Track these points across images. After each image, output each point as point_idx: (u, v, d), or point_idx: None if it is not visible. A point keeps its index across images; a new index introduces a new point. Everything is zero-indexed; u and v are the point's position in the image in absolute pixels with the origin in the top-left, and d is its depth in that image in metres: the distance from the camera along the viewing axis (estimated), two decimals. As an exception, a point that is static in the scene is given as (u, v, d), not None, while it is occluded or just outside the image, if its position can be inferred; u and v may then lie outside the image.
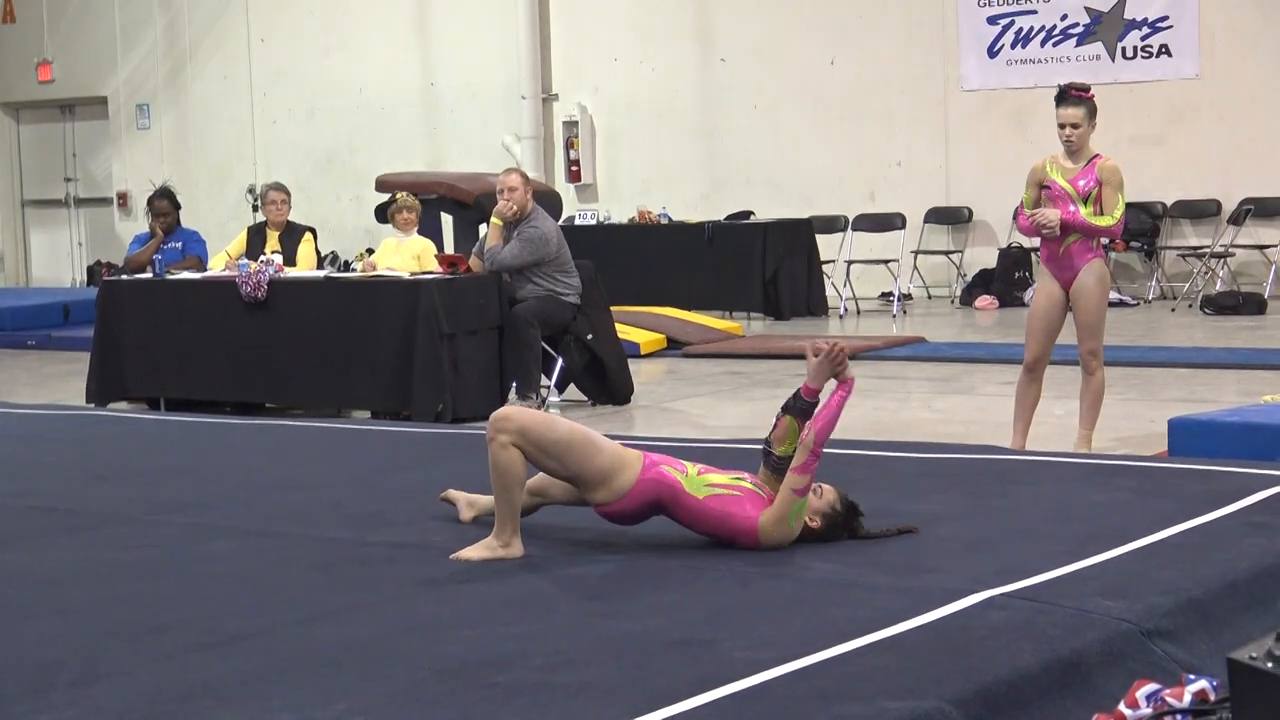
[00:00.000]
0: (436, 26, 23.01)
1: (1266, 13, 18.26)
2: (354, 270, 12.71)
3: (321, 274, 12.47)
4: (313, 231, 13.42)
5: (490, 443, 6.13)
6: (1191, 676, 4.20)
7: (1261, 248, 18.15)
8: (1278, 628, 4.56)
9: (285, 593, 5.77)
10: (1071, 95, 8.86)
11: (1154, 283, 18.77)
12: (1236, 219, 18.12)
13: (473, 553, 6.14)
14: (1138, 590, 5.27)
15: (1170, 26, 18.68)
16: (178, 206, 13.92)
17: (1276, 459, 7.68)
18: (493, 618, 5.31)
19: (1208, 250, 18.25)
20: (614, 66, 21.85)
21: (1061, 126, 8.83)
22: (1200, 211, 18.69)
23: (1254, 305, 16.93)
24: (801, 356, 6.66)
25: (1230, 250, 18.11)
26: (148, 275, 12.82)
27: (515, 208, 11.62)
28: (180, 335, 12.18)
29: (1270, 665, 3.51)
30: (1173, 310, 17.66)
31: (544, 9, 22.21)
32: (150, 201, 13.88)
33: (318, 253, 13.53)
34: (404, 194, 13.28)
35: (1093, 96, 8.92)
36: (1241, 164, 18.36)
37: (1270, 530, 6.06)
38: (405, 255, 12.62)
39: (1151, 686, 4.17)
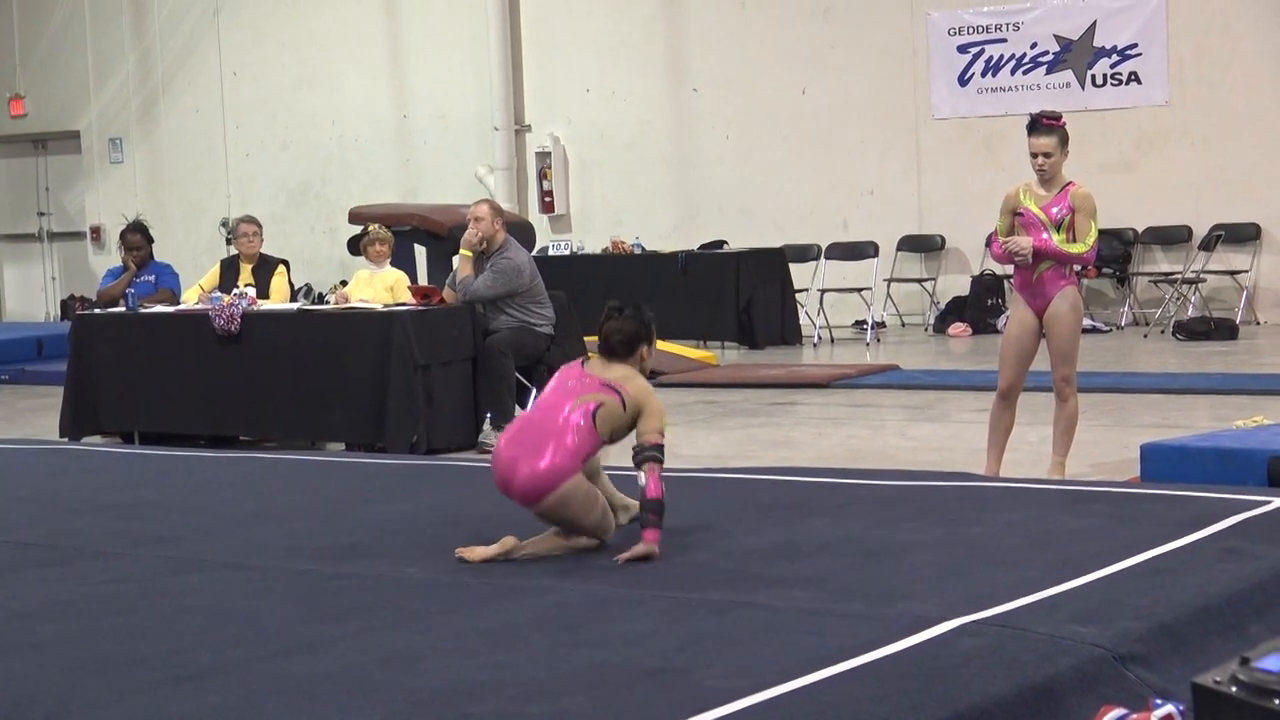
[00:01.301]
0: (409, 58, 23.04)
1: (1234, 40, 18.36)
2: (327, 302, 12.72)
3: (295, 306, 12.47)
4: (286, 264, 13.42)
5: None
6: (1159, 701, 4.21)
7: (1232, 273, 18.23)
8: (1244, 653, 4.59)
9: (259, 625, 5.76)
10: (1043, 124, 8.89)
11: (1126, 309, 18.83)
12: (1207, 245, 18.20)
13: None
14: (1110, 616, 5.27)
15: (1139, 54, 18.77)
16: (150, 240, 13.91)
17: (1249, 484, 7.70)
18: (466, 648, 5.30)
19: (1179, 276, 18.32)
20: (586, 97, 21.90)
21: (1034, 155, 8.86)
22: (1171, 238, 18.76)
23: (1226, 331, 16.99)
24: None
25: (1201, 276, 18.18)
26: (121, 309, 12.81)
27: (481, 236, 11.64)
28: (154, 369, 12.17)
29: (1234, 689, 3.52)
30: (1145, 336, 17.72)
31: (516, 40, 22.26)
32: (123, 235, 13.86)
33: (291, 285, 13.53)
34: (376, 226, 13.28)
35: (1065, 125, 8.95)
36: (1211, 190, 18.45)
37: (1242, 555, 6.07)
38: (378, 287, 12.62)
39: (1118, 712, 4.18)
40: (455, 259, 12.35)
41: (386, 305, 11.91)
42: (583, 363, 6.84)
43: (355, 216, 17.35)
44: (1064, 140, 8.88)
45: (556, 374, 6.88)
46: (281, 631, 5.66)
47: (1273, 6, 18.17)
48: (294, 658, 5.31)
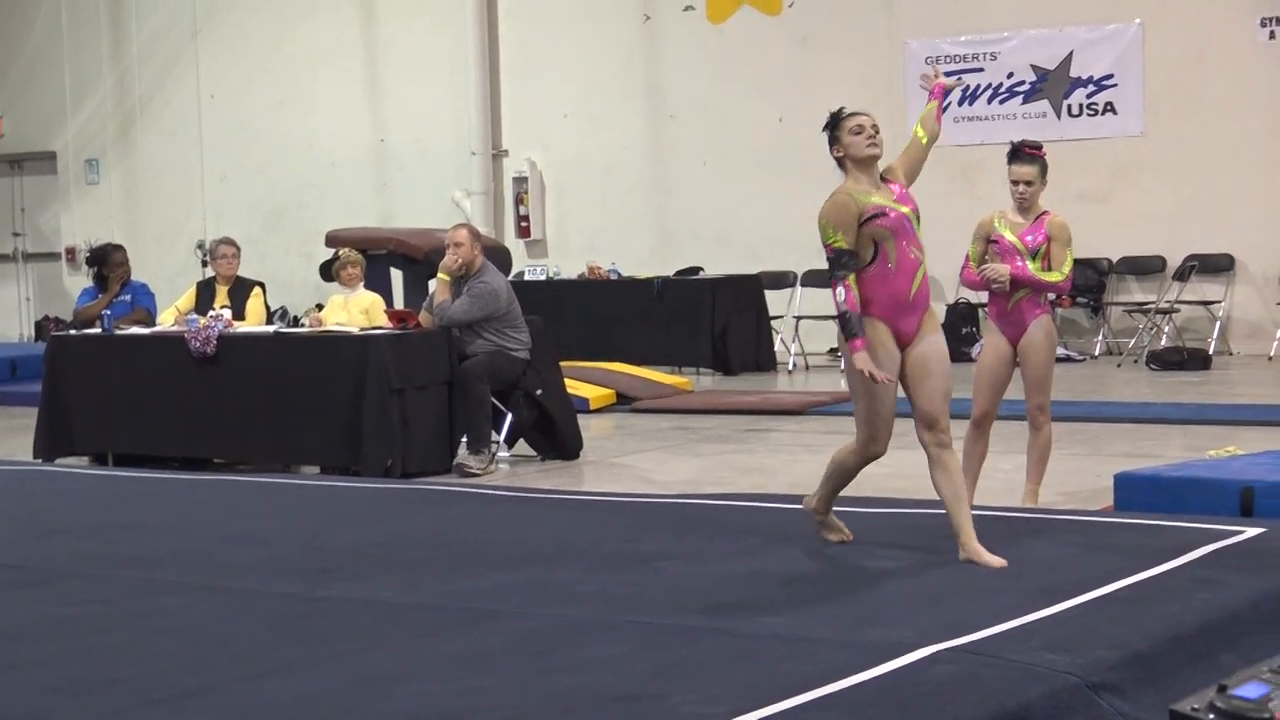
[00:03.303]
0: (387, 82, 23.07)
1: (1209, 71, 18.46)
2: (303, 325, 12.71)
3: (271, 329, 12.48)
4: (262, 286, 13.42)
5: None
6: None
7: (1206, 303, 18.31)
8: (1222, 680, 4.61)
9: (234, 648, 5.76)
10: (1026, 153, 8.93)
11: (1100, 338, 18.90)
12: (1181, 275, 18.28)
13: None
14: (1084, 644, 5.30)
15: (1115, 85, 18.87)
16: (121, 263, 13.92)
17: (1221, 514, 7.74)
18: (441, 672, 5.30)
19: (1153, 306, 18.40)
20: (564, 123, 21.94)
21: (1015, 183, 8.90)
22: (1145, 268, 18.84)
23: (1199, 361, 17.07)
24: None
25: (1175, 306, 18.26)
26: (96, 330, 12.80)
27: (461, 262, 11.66)
28: (129, 390, 12.16)
29: (1211, 717, 3.54)
30: (1119, 366, 17.78)
31: (494, 65, 22.30)
32: (105, 255, 13.86)
33: (267, 308, 13.53)
34: (347, 249, 13.28)
35: (1045, 155, 9.00)
36: (1186, 221, 18.54)
37: (1215, 584, 6.10)
38: (354, 310, 12.62)
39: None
40: (432, 283, 12.37)
41: (362, 329, 11.91)
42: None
43: (332, 240, 17.35)
44: (1044, 170, 8.93)
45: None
46: (257, 654, 5.66)
47: (1248, 38, 18.27)
48: (270, 680, 5.31)
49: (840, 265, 6.78)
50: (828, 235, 6.86)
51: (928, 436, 6.82)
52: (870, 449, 6.99)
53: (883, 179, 6.91)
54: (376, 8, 23.13)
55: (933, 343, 6.87)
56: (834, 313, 6.84)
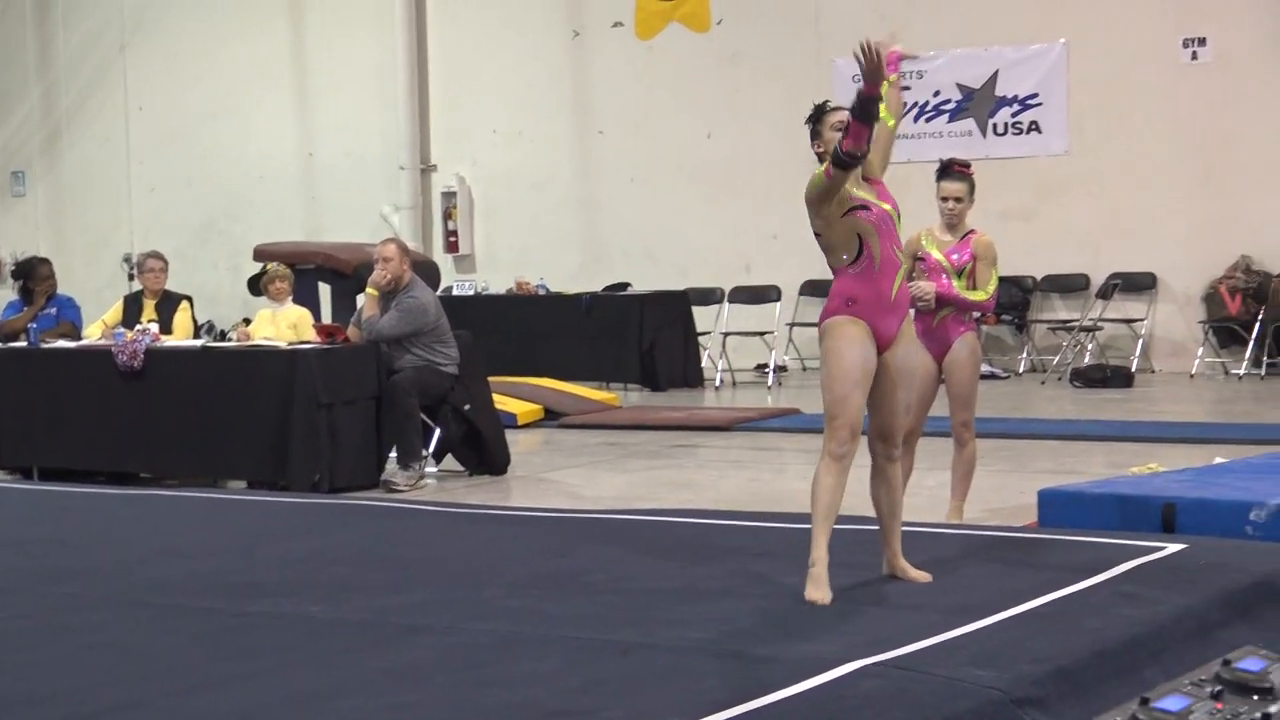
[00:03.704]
0: (316, 96, 23.03)
1: (1133, 91, 18.63)
2: (230, 340, 12.68)
3: (198, 343, 12.43)
4: (189, 300, 13.38)
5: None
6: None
7: (1129, 321, 18.47)
8: (1144, 694, 4.67)
9: (162, 663, 5.74)
10: (955, 170, 8.99)
11: (1024, 356, 19.04)
12: (1105, 293, 18.44)
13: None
14: (1008, 659, 5.34)
15: (1040, 104, 19.03)
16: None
17: (1143, 530, 7.82)
18: (372, 687, 5.31)
19: (1077, 324, 18.55)
20: (493, 138, 21.96)
21: (944, 199, 8.96)
22: (1069, 286, 19.00)
23: (1122, 378, 17.21)
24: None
25: (1099, 324, 18.42)
26: (22, 344, 12.73)
27: (390, 277, 11.66)
28: (55, 404, 12.09)
29: (1135, 730, 3.60)
30: (1043, 383, 17.92)
31: (423, 80, 22.30)
32: (31, 268, 13.78)
33: (194, 322, 13.48)
34: (275, 264, 13.26)
35: (973, 173, 9.07)
36: (1109, 239, 18.70)
37: (1137, 600, 6.15)
38: (282, 325, 12.59)
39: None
40: (360, 298, 12.36)
41: (291, 343, 11.89)
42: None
43: (260, 254, 17.30)
44: (972, 188, 9.00)
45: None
46: (186, 669, 5.65)
47: (1171, 58, 18.45)
48: (198, 696, 5.30)
49: (836, 158, 6.44)
50: (812, 193, 6.63)
51: (879, 447, 6.79)
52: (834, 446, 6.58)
53: (863, 177, 6.71)
54: (306, 22, 23.10)
55: (907, 354, 6.74)
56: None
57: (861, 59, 6.34)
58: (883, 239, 6.62)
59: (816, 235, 6.74)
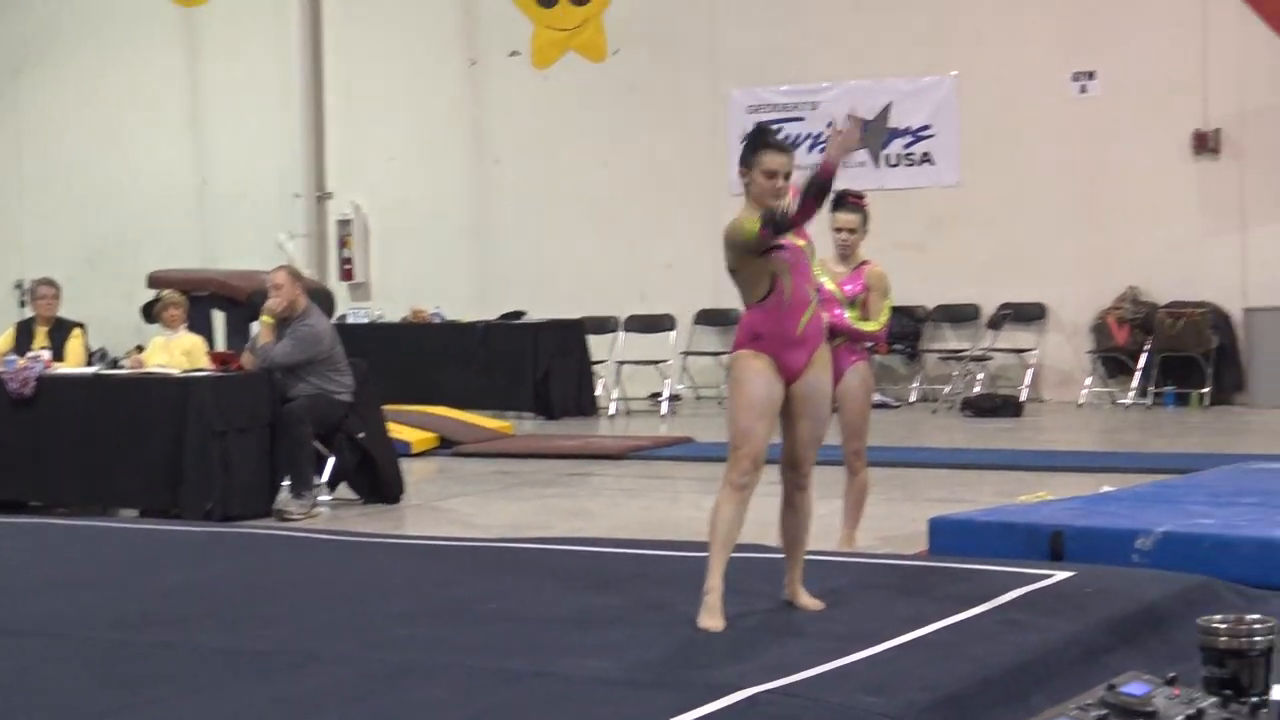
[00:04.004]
0: (210, 122, 22.91)
1: (1022, 123, 18.84)
2: (123, 367, 12.60)
3: (91, 370, 12.35)
4: (82, 327, 13.30)
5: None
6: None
7: (1018, 351, 18.65)
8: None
9: (53, 693, 5.71)
10: (849, 201, 9.05)
11: (916, 385, 19.18)
12: (995, 323, 18.62)
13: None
14: (898, 686, 5.40)
15: (932, 135, 19.21)
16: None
17: (1032, 558, 7.90)
18: (262, 716, 5.30)
19: (967, 354, 18.72)
20: (388, 166, 21.92)
21: (838, 230, 9.02)
22: (960, 316, 19.17)
23: (1011, 408, 17.38)
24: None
25: (989, 354, 18.59)
26: (-90, 370, 12.59)
27: (285, 303, 11.62)
28: (-57, 432, 11.96)
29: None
30: (934, 412, 18.06)
31: (319, 107, 22.24)
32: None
33: (87, 349, 13.39)
34: (169, 291, 13.20)
35: (867, 204, 9.15)
36: (999, 270, 18.88)
37: (1025, 627, 6.23)
38: (175, 352, 12.53)
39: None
40: (255, 325, 12.32)
41: (184, 371, 11.83)
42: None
43: (155, 281, 17.21)
44: (866, 219, 9.07)
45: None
46: (76, 700, 5.62)
47: (1059, 92, 18.66)
48: (88, 725, 5.28)
49: (775, 223, 6.48)
50: (737, 238, 6.65)
51: (789, 475, 6.83)
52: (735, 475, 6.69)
53: None
54: (200, 48, 22.98)
55: (816, 383, 6.75)
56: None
57: (843, 136, 6.42)
58: (795, 275, 6.67)
59: (731, 271, 6.78)
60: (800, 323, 6.66)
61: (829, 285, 8.97)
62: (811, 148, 19.49)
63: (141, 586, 7.80)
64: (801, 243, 6.70)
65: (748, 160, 6.68)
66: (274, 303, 11.64)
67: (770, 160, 6.62)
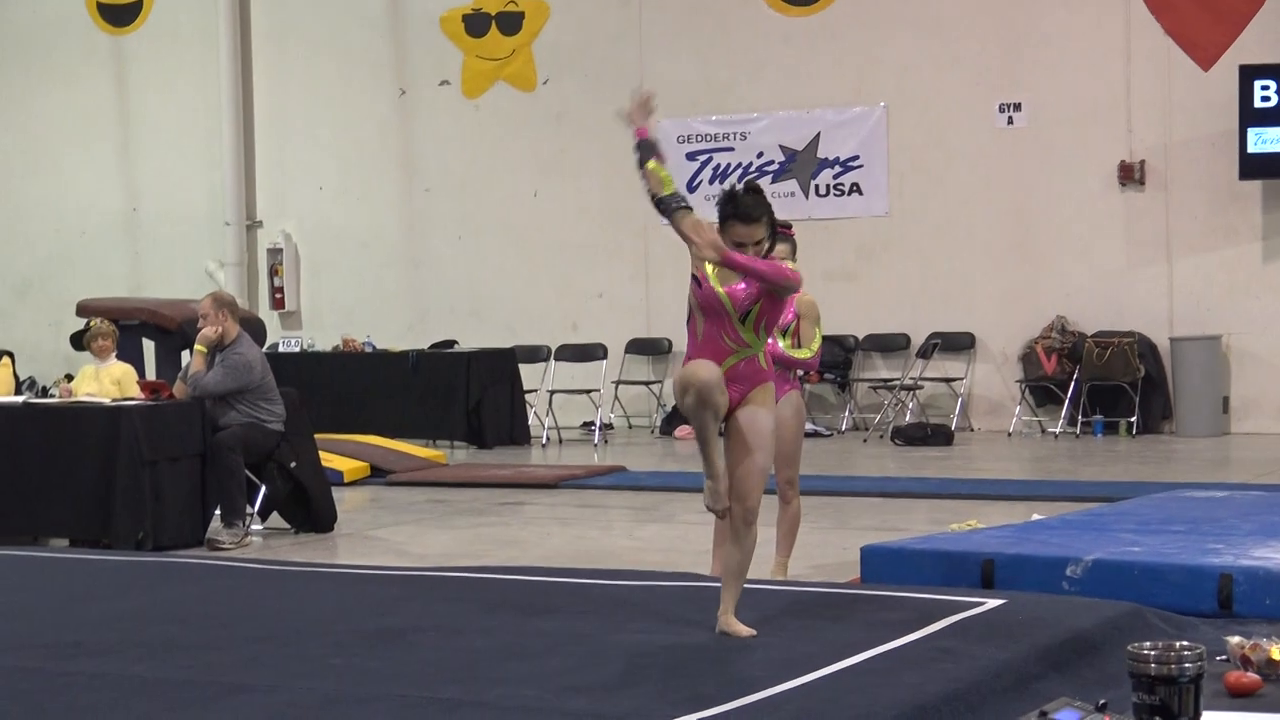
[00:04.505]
0: (139, 150, 22.83)
1: (950, 154, 18.97)
2: (53, 396, 12.53)
3: (19, 399, 12.28)
4: (10, 356, 13.25)
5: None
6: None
7: (948, 380, 18.76)
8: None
9: (-17, 724, 5.68)
10: (778, 231, 9.08)
11: (847, 414, 19.27)
12: (925, 353, 18.72)
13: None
14: (830, 715, 5.42)
15: (861, 166, 19.32)
16: None
17: (964, 585, 7.95)
18: (197, 747, 5.29)
19: (898, 383, 18.81)
20: (319, 194, 21.90)
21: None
22: (890, 345, 19.26)
23: (942, 436, 17.47)
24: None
25: (919, 383, 18.69)
26: None
27: (218, 330, 11.60)
28: None
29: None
30: (865, 441, 18.14)
31: (249, 135, 22.19)
32: None
33: (16, 378, 13.32)
34: (99, 320, 13.13)
35: (795, 234, 9.19)
36: (928, 299, 19.00)
37: (957, 654, 6.26)
38: (105, 381, 12.48)
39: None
40: (185, 354, 12.28)
41: (114, 400, 11.78)
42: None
43: (83, 309, 17.11)
44: (794, 248, 9.11)
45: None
46: (6, 730, 5.59)
47: (987, 123, 18.79)
48: (20, 756, 5.26)
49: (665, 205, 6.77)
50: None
51: (736, 508, 6.85)
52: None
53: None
54: (129, 75, 22.91)
55: (754, 416, 6.76)
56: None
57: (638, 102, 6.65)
58: (707, 319, 6.73)
59: None
60: (725, 364, 6.72)
61: (756, 314, 8.99)
62: (741, 178, 19.59)
63: (72, 616, 7.76)
64: (721, 290, 6.70)
65: (724, 222, 6.77)
66: (210, 331, 11.61)
67: (738, 233, 6.72)
